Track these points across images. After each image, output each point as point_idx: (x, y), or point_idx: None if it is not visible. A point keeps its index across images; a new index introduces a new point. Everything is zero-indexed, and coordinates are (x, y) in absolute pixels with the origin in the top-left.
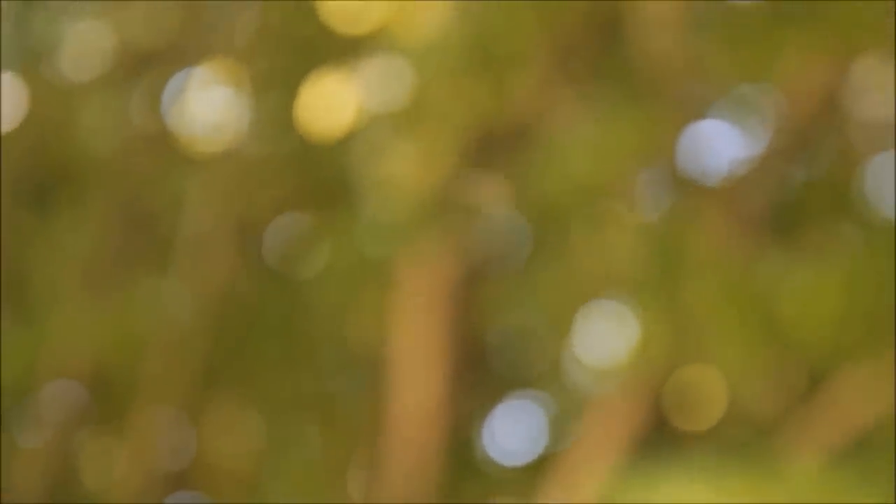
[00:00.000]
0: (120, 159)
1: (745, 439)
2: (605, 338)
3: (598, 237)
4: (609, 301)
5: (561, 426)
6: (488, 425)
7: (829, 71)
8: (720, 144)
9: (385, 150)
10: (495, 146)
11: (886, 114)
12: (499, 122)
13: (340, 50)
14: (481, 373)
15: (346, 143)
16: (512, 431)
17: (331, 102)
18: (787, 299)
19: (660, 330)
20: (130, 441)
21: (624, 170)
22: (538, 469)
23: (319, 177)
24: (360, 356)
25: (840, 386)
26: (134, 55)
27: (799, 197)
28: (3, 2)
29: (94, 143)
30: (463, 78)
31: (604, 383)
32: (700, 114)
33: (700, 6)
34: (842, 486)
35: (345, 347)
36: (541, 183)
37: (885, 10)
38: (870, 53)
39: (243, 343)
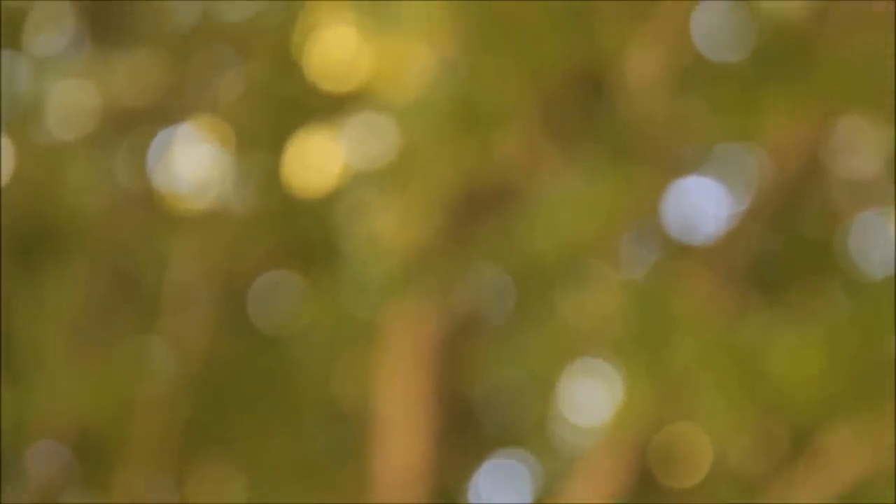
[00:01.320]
0: (105, 217)
1: (731, 497)
2: (591, 396)
3: (582, 295)
4: (594, 359)
5: (547, 484)
6: (474, 484)
7: (812, 130)
8: (704, 203)
9: (370, 207)
10: (480, 204)
11: (869, 173)
12: (484, 180)
13: (325, 107)
14: (467, 431)
15: (330, 200)
16: (498, 490)
17: (316, 160)
18: (772, 357)
19: (645, 388)
20: (115, 502)
21: (608, 228)
22: None
23: (304, 234)
24: (345, 414)
25: (825, 444)
26: (119, 113)
27: (783, 255)
28: None
29: (79, 202)
30: (448, 136)
31: (589, 441)
32: (684, 172)
33: (684, 65)
34: None
35: (330, 406)
36: (525, 241)
37: (869, 70)
38: (853, 113)
39: (228, 402)
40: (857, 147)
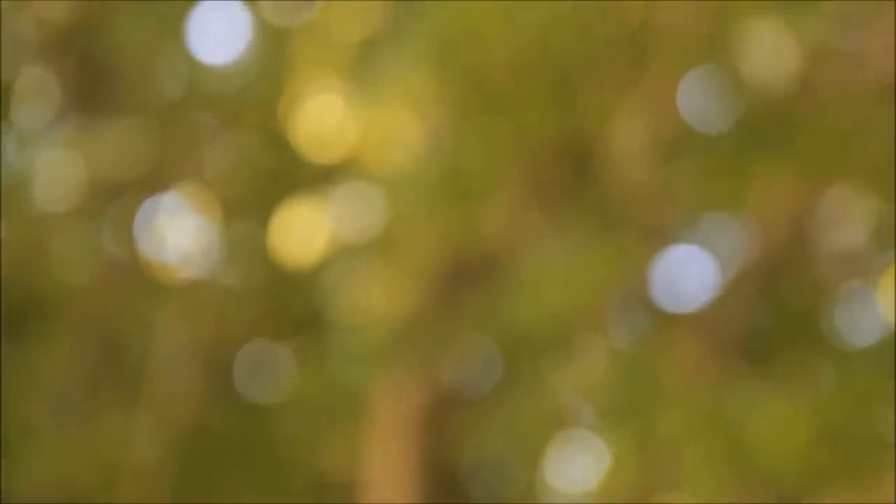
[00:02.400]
0: (92, 287)
1: None
2: (578, 465)
3: (569, 365)
4: (581, 429)
5: None
6: None
7: (798, 201)
8: (691, 272)
9: (357, 277)
10: (467, 274)
11: (855, 244)
12: (471, 250)
13: (312, 178)
14: (454, 500)
15: (317, 270)
16: None
17: (303, 230)
18: (758, 428)
19: (632, 457)
20: None
21: (595, 298)
22: None
23: (291, 304)
24: (332, 483)
25: None
26: (106, 183)
27: (769, 325)
28: None
29: (66, 272)
30: (435, 206)
31: None
32: (671, 241)
33: (670, 135)
34: None
35: (317, 475)
36: (512, 310)
37: (854, 142)
38: (839, 184)
39: (214, 471)
40: (842, 218)
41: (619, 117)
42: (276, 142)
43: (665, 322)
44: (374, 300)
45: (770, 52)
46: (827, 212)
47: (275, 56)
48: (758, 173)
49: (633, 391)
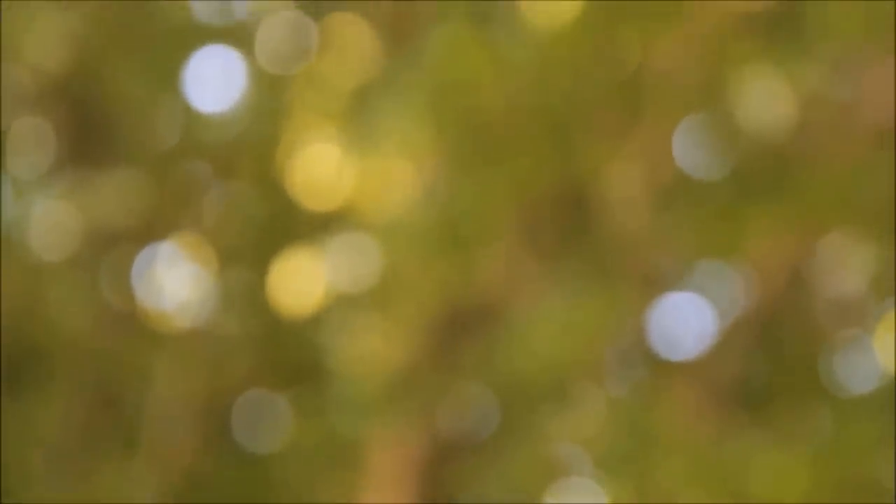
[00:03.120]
0: (89, 337)
1: None
2: None
3: (567, 414)
4: (579, 477)
5: None
6: None
7: (796, 248)
8: (688, 320)
9: (353, 327)
10: (463, 322)
11: (853, 291)
12: (467, 299)
13: (308, 226)
14: None
15: (314, 319)
16: None
17: (300, 280)
18: (757, 477)
19: None
20: None
21: (592, 346)
22: None
23: (288, 353)
24: None
25: None
26: (102, 233)
27: (767, 373)
28: None
29: (63, 322)
30: (431, 255)
31: None
32: (668, 289)
33: (666, 183)
34: None
35: None
36: (509, 359)
37: (850, 189)
38: (837, 231)
39: None
40: (840, 265)
41: (614, 164)
42: (273, 190)
43: (662, 370)
44: (371, 349)
45: (766, 98)
46: (824, 259)
47: (271, 104)
48: (754, 220)
49: (631, 440)
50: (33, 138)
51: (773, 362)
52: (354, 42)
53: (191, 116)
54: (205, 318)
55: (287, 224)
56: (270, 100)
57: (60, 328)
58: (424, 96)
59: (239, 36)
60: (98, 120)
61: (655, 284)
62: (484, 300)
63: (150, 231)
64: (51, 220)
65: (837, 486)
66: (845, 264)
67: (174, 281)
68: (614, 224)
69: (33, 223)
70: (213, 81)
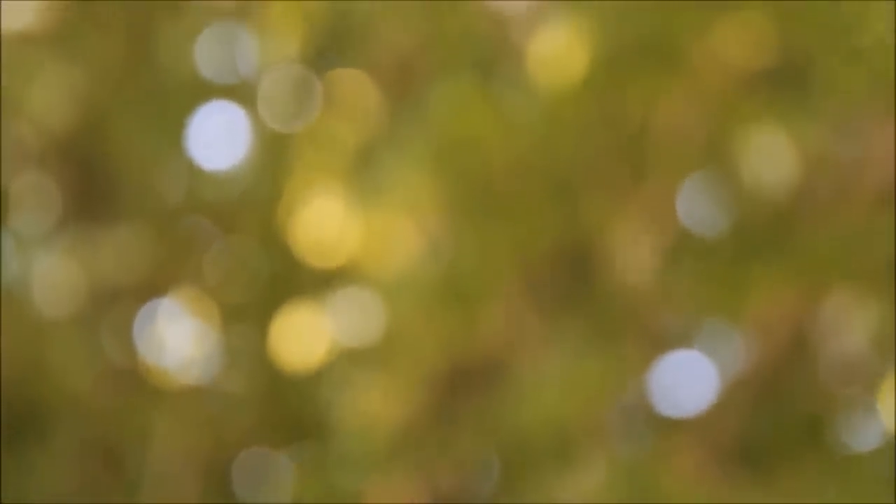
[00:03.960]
0: (91, 393)
1: None
2: None
3: (568, 471)
4: None
5: None
6: None
7: (799, 306)
8: (691, 378)
9: (355, 383)
10: (465, 379)
11: (856, 349)
12: (469, 356)
13: (311, 282)
14: None
15: (316, 376)
16: None
17: (302, 336)
18: None
19: None
20: None
21: (594, 403)
22: None
23: (290, 410)
24: None
25: None
26: (104, 289)
27: (770, 432)
28: None
29: (64, 379)
30: (434, 312)
31: None
32: (670, 347)
33: (670, 241)
34: None
35: None
36: (511, 417)
37: (854, 247)
38: (840, 290)
39: None
40: (843, 324)
41: (618, 222)
42: (276, 246)
43: (665, 428)
44: (373, 405)
45: (770, 157)
46: (828, 318)
47: (274, 161)
48: (758, 279)
49: (633, 498)
50: (36, 195)
51: (776, 421)
52: (358, 98)
53: (194, 173)
54: (207, 374)
55: (290, 280)
56: (274, 156)
57: (62, 384)
58: (428, 152)
59: (242, 93)
60: (101, 176)
61: (658, 342)
62: (486, 356)
63: (152, 287)
64: (53, 277)
65: None
66: (848, 323)
67: (176, 337)
68: (617, 282)
69: (35, 280)
70: (217, 138)
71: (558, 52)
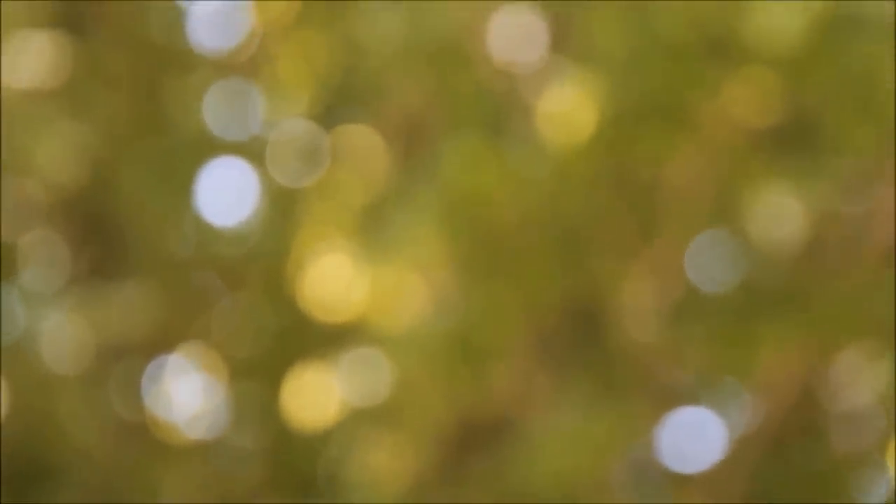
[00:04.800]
0: (99, 449)
1: None
2: None
3: None
4: None
5: None
6: None
7: (807, 363)
8: (699, 434)
9: (364, 440)
10: (474, 436)
11: (866, 406)
12: (478, 412)
13: (320, 339)
14: None
15: (325, 433)
16: None
17: (310, 392)
18: None
19: None
20: None
21: (603, 460)
22: None
23: (298, 467)
24: None
25: None
26: (113, 345)
27: (777, 489)
28: None
29: (73, 434)
30: (442, 368)
31: None
32: (679, 403)
33: (678, 297)
34: None
35: None
36: (520, 472)
37: (863, 305)
38: (848, 347)
39: None
40: (851, 380)
41: (626, 279)
42: (284, 302)
43: (673, 484)
44: (382, 462)
45: (778, 214)
46: (836, 375)
47: (282, 216)
48: (766, 336)
49: None
50: (44, 251)
51: (784, 478)
52: (366, 154)
53: (202, 229)
54: (215, 430)
55: (298, 336)
56: (282, 212)
57: (69, 440)
58: (437, 209)
59: (251, 149)
60: (109, 232)
61: (666, 399)
62: (495, 413)
63: (160, 342)
64: (61, 333)
65: None
66: (857, 381)
67: (184, 392)
68: (626, 338)
69: (43, 335)
70: (225, 194)
71: (567, 109)
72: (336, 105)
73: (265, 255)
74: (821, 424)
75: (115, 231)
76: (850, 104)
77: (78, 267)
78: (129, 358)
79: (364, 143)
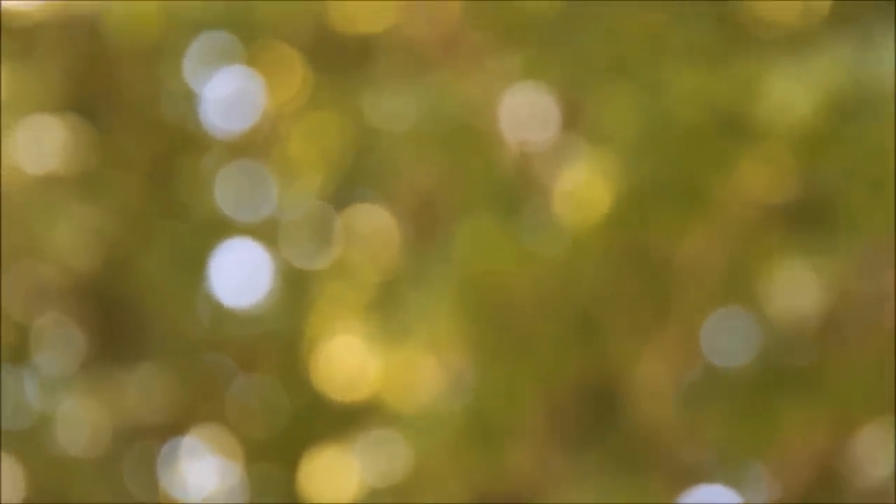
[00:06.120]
0: None
1: None
2: None
3: None
4: None
5: None
6: None
7: (824, 440)
8: None
9: None
10: None
11: (884, 480)
12: (494, 491)
13: (335, 420)
14: None
15: None
16: None
17: (326, 472)
18: None
19: None
20: None
21: None
22: None
23: None
24: None
25: None
26: (128, 427)
27: None
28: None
29: None
30: (458, 447)
31: None
32: (695, 481)
33: (694, 374)
34: None
35: None
36: None
37: (881, 380)
38: (866, 423)
39: None
40: (869, 457)
41: (642, 357)
42: (299, 383)
43: None
44: None
45: (794, 291)
46: (855, 451)
47: (296, 297)
48: (783, 412)
49: None
50: (59, 334)
51: None
52: (378, 233)
53: (216, 310)
54: None
55: (313, 417)
56: (295, 292)
57: None
58: (450, 288)
59: (264, 230)
60: (124, 314)
61: (683, 477)
62: (511, 492)
63: (175, 424)
64: (76, 416)
65: None
66: (876, 457)
67: (199, 474)
68: (642, 416)
69: (59, 419)
70: (239, 275)
71: (581, 188)
72: (348, 186)
73: (279, 336)
74: (839, 500)
75: (129, 314)
76: (863, 181)
77: (92, 350)
78: (144, 440)
79: (376, 223)
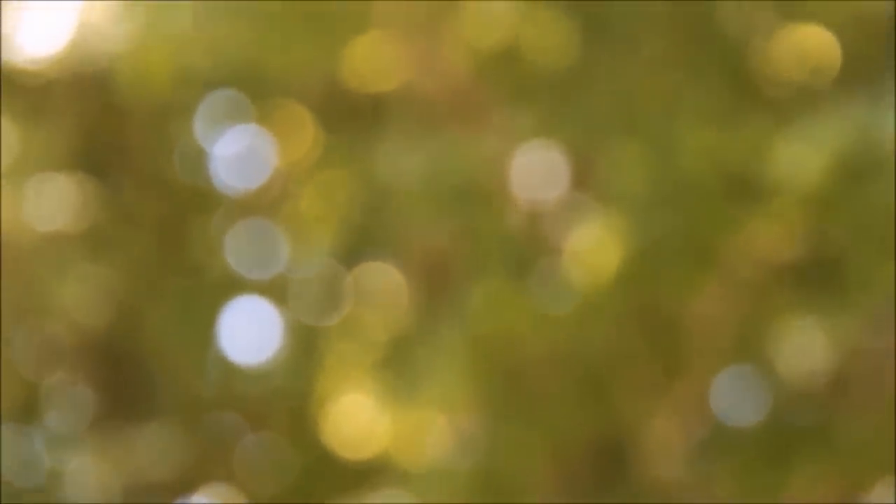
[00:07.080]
0: None
1: None
2: None
3: None
4: None
5: None
6: None
7: (837, 498)
8: None
9: None
10: None
11: None
12: None
13: (344, 478)
14: None
15: None
16: None
17: None
18: None
19: None
20: None
21: None
22: None
23: None
24: None
25: None
26: (137, 486)
27: None
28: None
29: None
30: None
31: None
32: None
33: (704, 433)
34: None
35: None
36: None
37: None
38: (877, 482)
39: None
40: None
41: (652, 416)
42: (307, 441)
43: None
44: None
45: (804, 349)
46: None
47: (305, 355)
48: (793, 471)
49: None
50: (67, 393)
51: None
52: (388, 291)
53: (226, 368)
54: None
55: (322, 476)
56: (305, 350)
57: None
58: (460, 347)
59: (274, 287)
60: (133, 372)
61: None
62: None
63: (184, 483)
64: (85, 475)
65: None
66: None
67: None
68: (652, 475)
69: (69, 477)
70: (248, 333)
71: (591, 247)
72: (358, 244)
73: (288, 394)
74: None
75: (139, 371)
76: (873, 240)
77: (101, 408)
78: (154, 498)
79: (386, 281)
